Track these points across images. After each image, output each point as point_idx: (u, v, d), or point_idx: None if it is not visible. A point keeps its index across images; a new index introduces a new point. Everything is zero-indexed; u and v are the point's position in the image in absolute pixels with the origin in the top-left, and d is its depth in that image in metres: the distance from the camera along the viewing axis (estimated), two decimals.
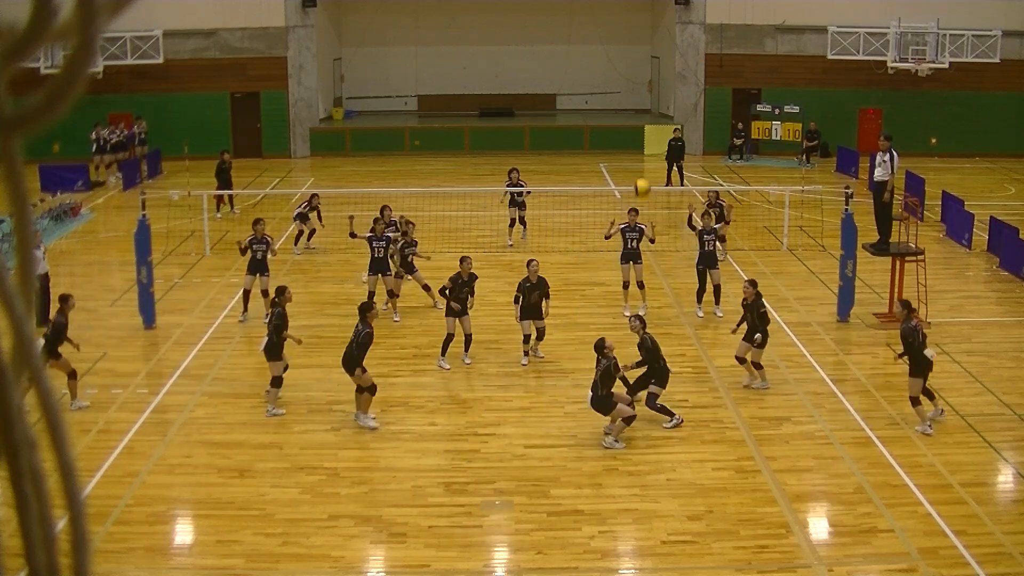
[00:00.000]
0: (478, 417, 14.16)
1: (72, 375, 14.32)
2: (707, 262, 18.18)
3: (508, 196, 23.10)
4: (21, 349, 1.12)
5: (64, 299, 14.59)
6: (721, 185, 29.78)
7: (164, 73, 33.97)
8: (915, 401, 13.54)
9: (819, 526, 11.52)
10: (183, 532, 11.54)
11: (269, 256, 18.30)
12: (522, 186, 23.07)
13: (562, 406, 14.49)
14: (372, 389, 13.74)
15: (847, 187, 20.29)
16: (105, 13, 1.07)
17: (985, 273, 21.50)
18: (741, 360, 15.12)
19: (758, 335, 14.83)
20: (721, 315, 18.06)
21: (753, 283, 15.28)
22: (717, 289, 18.22)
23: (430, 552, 10.82)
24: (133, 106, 33.81)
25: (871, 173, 20.84)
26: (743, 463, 12.73)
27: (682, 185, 28.85)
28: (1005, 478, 12.74)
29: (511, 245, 23.28)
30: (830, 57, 33.73)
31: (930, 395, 13.84)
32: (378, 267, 18.20)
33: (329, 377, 15.39)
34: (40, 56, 18.90)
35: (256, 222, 18.47)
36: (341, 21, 39.70)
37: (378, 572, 10.81)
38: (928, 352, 13.50)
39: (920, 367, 13.43)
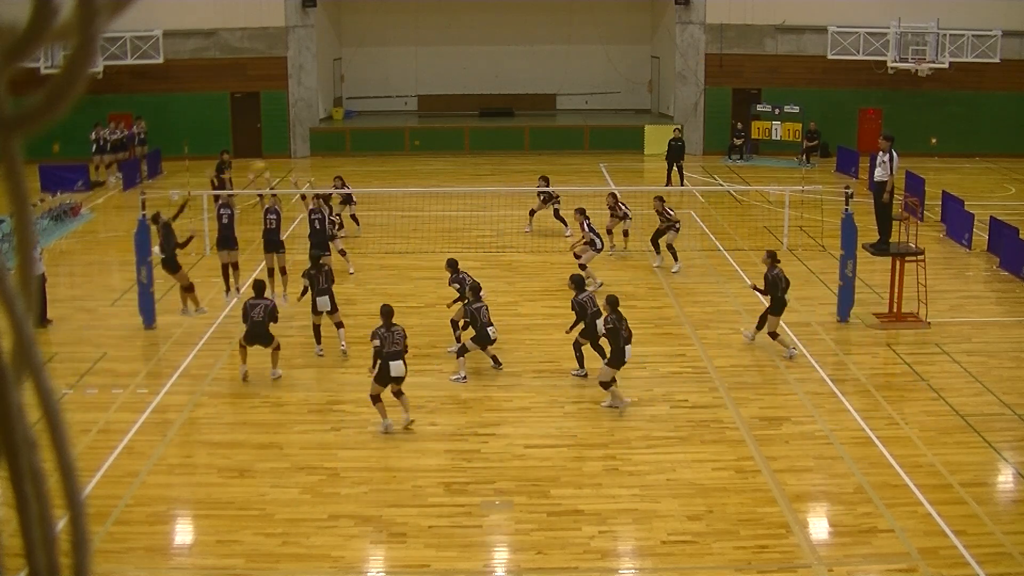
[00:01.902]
0: (478, 417, 14.16)
1: (189, 288, 16.35)
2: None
3: (540, 198, 24.37)
4: (21, 349, 1.12)
5: (156, 218, 17.20)
6: (720, 184, 29.81)
7: (164, 73, 33.97)
8: (774, 336, 16.13)
9: (819, 526, 11.52)
10: (183, 532, 11.54)
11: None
12: (551, 192, 24.01)
13: (562, 406, 14.49)
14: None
15: (847, 187, 20.27)
16: (105, 13, 1.07)
17: (985, 273, 21.50)
18: (605, 384, 14.15)
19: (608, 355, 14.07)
20: (658, 264, 21.09)
21: (610, 300, 14.16)
22: (670, 248, 20.83)
23: (430, 552, 10.82)
24: (133, 106, 33.79)
25: (871, 173, 20.85)
26: (743, 463, 12.73)
27: (682, 185, 28.87)
28: (1005, 478, 12.74)
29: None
30: (830, 57, 33.71)
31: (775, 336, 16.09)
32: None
33: (329, 377, 15.41)
34: (40, 56, 18.89)
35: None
36: (341, 21, 39.70)
37: (378, 572, 10.81)
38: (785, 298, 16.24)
39: (778, 308, 16.10)
